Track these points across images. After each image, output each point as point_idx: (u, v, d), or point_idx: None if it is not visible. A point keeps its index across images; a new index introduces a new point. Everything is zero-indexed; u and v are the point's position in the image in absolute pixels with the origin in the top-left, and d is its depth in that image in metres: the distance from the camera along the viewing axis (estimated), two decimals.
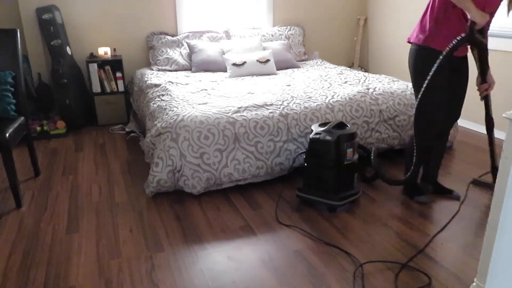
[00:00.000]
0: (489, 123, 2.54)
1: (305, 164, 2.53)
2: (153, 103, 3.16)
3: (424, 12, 2.29)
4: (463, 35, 2.06)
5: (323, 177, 2.45)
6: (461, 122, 3.97)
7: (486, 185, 2.75)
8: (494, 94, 3.65)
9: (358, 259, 2.03)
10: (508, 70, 3.54)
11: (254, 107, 2.82)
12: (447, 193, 2.64)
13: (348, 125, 2.54)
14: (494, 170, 2.62)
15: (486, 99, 2.48)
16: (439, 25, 2.22)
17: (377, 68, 5.15)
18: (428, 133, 2.35)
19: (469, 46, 2.34)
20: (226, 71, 4.09)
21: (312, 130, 2.54)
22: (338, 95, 3.06)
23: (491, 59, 3.62)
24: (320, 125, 2.58)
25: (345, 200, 2.45)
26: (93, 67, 4.01)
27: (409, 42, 2.39)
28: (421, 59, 2.30)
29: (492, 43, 3.60)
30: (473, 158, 3.24)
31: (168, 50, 4.27)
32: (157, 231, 2.28)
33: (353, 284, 1.85)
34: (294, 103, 2.92)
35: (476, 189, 2.73)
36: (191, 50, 4.25)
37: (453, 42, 2.04)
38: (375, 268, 1.97)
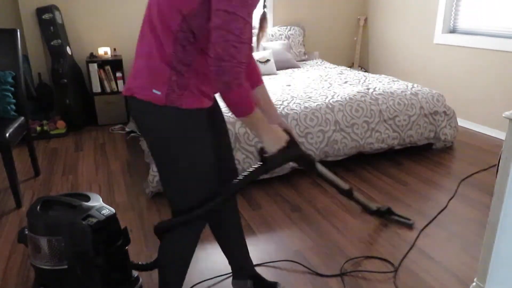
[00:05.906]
0: None
1: None
2: None
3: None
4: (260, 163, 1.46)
5: None
6: (461, 122, 3.97)
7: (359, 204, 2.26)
8: (494, 94, 3.67)
9: (358, 258, 2.03)
10: (508, 70, 3.53)
11: None
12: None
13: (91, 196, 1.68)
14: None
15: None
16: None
17: (377, 68, 5.15)
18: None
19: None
20: None
21: None
22: (338, 95, 3.06)
23: (491, 58, 3.65)
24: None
25: None
26: (93, 67, 4.01)
27: None
28: None
29: (492, 43, 3.62)
30: (473, 157, 3.24)
31: None
32: None
33: (353, 284, 1.85)
34: (294, 103, 2.92)
35: (475, 188, 2.74)
36: None
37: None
38: (375, 267, 1.97)
